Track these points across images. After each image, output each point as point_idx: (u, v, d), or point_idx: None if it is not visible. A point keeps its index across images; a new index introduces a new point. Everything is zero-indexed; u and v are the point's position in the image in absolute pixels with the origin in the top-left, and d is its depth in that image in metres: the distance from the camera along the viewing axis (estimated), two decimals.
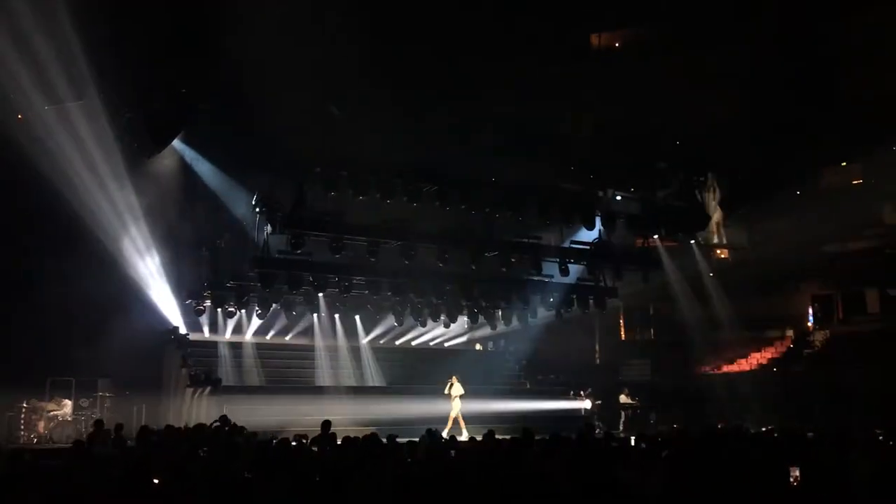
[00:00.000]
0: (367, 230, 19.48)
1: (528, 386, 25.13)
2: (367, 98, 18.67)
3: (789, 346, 27.44)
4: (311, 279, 19.79)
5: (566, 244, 22.75)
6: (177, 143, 18.33)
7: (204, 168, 19.20)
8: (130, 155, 17.50)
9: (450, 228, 20.91)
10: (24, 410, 16.31)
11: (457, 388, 19.45)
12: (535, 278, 22.43)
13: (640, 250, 24.49)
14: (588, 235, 22.72)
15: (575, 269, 22.67)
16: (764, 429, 15.88)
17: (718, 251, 30.16)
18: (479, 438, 11.81)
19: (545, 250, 22.17)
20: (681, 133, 24.56)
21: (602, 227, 22.36)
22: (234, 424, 14.76)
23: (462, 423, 18.96)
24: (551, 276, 22.59)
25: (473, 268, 20.86)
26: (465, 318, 24.18)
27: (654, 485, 7.85)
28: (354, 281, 20.50)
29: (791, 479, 8.30)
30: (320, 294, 21.18)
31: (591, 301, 23.55)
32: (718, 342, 26.62)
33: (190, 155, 18.94)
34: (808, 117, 23.56)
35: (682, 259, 25.88)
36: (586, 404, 22.90)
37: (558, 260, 21.99)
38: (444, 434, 14.98)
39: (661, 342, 28.68)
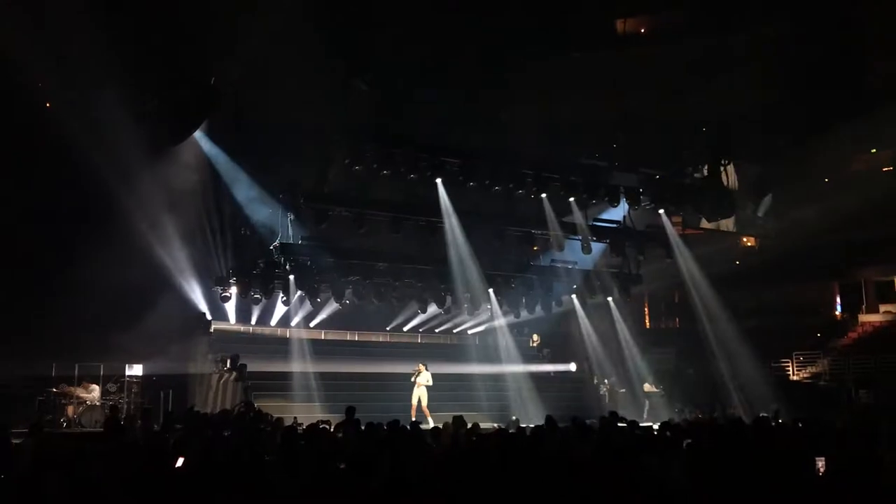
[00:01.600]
0: (391, 205, 19.51)
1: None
2: (391, 74, 18.61)
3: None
4: (333, 265, 19.82)
5: (590, 222, 22.42)
6: (199, 133, 18.40)
7: (226, 156, 19.25)
8: (157, 144, 17.59)
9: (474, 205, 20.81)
10: (53, 394, 16.53)
11: (423, 377, 19.18)
12: (559, 264, 22.29)
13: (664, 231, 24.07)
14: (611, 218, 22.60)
15: (598, 254, 22.51)
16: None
17: (745, 239, 29.80)
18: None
19: (568, 228, 21.93)
20: (707, 119, 24.26)
21: (627, 205, 22.09)
22: (260, 410, 14.90)
23: (426, 412, 18.68)
24: (575, 263, 22.46)
25: (497, 244, 20.75)
26: (490, 305, 24.03)
27: (677, 473, 7.82)
28: (378, 267, 20.51)
29: (817, 470, 8.24)
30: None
31: (615, 289, 23.38)
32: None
33: (211, 144, 18.99)
34: (837, 104, 23.18)
35: (707, 246, 25.57)
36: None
37: (580, 238, 21.76)
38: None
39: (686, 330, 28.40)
